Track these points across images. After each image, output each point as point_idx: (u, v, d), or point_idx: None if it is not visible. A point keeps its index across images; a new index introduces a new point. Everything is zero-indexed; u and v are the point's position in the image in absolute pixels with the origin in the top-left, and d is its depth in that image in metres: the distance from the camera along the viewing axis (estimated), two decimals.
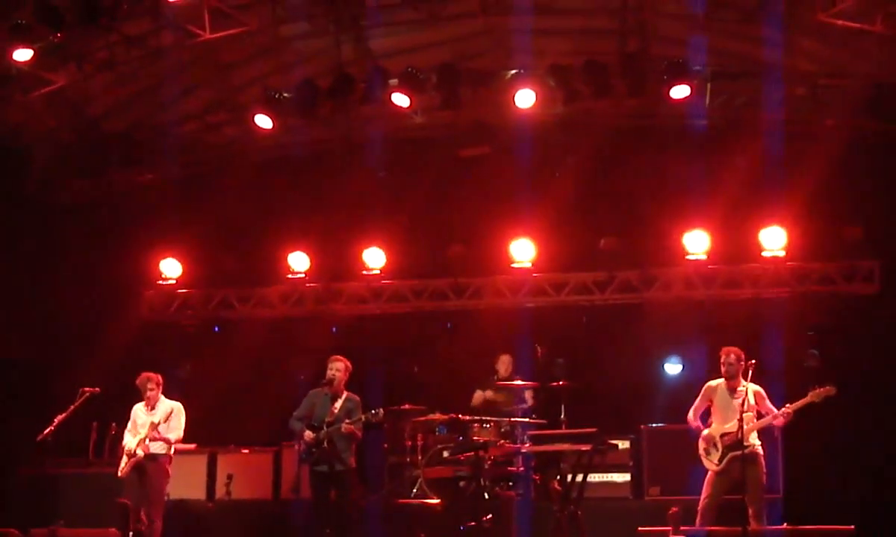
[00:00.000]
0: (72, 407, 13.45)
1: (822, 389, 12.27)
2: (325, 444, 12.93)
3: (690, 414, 12.73)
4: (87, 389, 13.59)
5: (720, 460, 12.35)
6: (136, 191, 17.69)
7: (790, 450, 14.42)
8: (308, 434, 12.99)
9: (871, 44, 14.00)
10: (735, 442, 12.16)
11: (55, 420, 13.30)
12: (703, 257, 16.42)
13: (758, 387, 12.41)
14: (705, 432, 12.51)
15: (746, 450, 12.13)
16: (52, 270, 17.28)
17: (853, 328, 16.02)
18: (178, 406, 13.72)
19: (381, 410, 13.27)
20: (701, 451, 12.54)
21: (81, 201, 17.64)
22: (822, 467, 14.97)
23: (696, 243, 16.36)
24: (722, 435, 12.37)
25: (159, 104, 16.76)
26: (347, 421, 12.91)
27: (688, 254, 16.45)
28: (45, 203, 17.40)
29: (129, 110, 16.85)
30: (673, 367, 16.57)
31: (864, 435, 15.25)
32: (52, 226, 17.30)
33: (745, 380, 12.33)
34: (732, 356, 12.57)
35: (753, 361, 12.33)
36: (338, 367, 13.30)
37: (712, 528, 12.17)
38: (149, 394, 13.62)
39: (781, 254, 16.13)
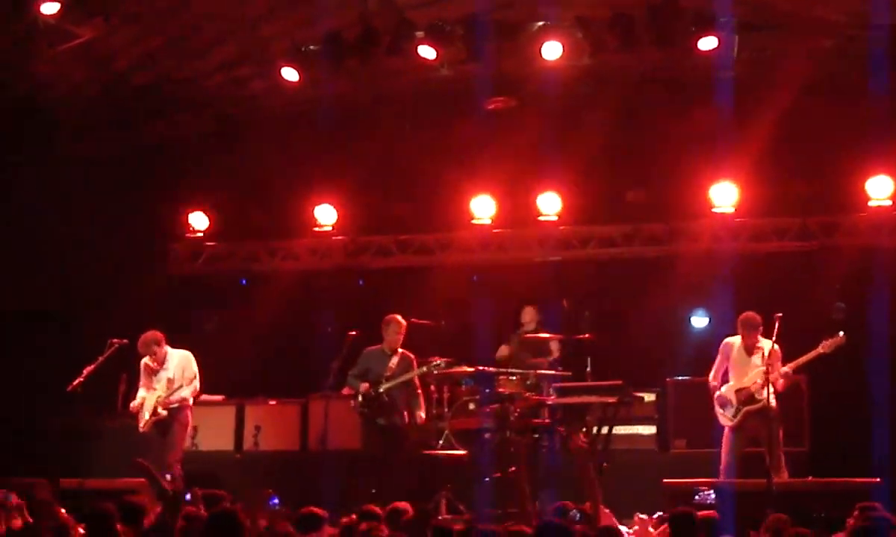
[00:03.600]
0: (100, 358, 13.55)
1: (831, 340, 12.30)
2: (385, 398, 13.27)
3: (711, 377, 12.76)
4: (115, 341, 13.68)
5: (734, 415, 12.38)
6: (163, 144, 17.70)
7: (817, 403, 14.42)
8: (365, 386, 13.35)
9: None
10: (749, 397, 12.20)
11: (84, 371, 13.41)
12: (731, 210, 16.37)
13: (773, 344, 12.39)
14: (717, 393, 12.56)
15: (759, 405, 12.16)
16: (80, 223, 17.33)
17: (880, 280, 15.94)
18: (187, 355, 13.82)
19: (443, 361, 13.56)
20: (717, 407, 12.60)
21: (109, 154, 17.65)
22: (849, 420, 14.93)
23: (723, 196, 16.30)
24: (737, 391, 12.40)
25: (186, 57, 16.75)
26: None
27: (714, 206, 16.40)
28: (72, 156, 17.43)
29: (156, 63, 16.81)
30: (699, 320, 16.56)
31: (892, 388, 15.22)
32: (79, 179, 17.32)
33: (770, 337, 12.33)
34: (749, 323, 12.60)
35: (780, 315, 12.33)
36: (393, 328, 13.67)
37: (737, 480, 12.21)
38: (153, 354, 13.68)
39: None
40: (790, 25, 15.01)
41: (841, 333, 12.40)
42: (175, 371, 13.64)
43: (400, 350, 13.90)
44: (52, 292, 17.15)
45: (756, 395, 12.29)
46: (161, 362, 13.71)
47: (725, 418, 12.58)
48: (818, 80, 15.52)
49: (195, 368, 13.78)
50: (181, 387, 13.58)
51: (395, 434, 13.63)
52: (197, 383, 13.78)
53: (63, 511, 10.59)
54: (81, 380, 13.37)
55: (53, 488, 12.06)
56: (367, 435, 13.76)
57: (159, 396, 13.52)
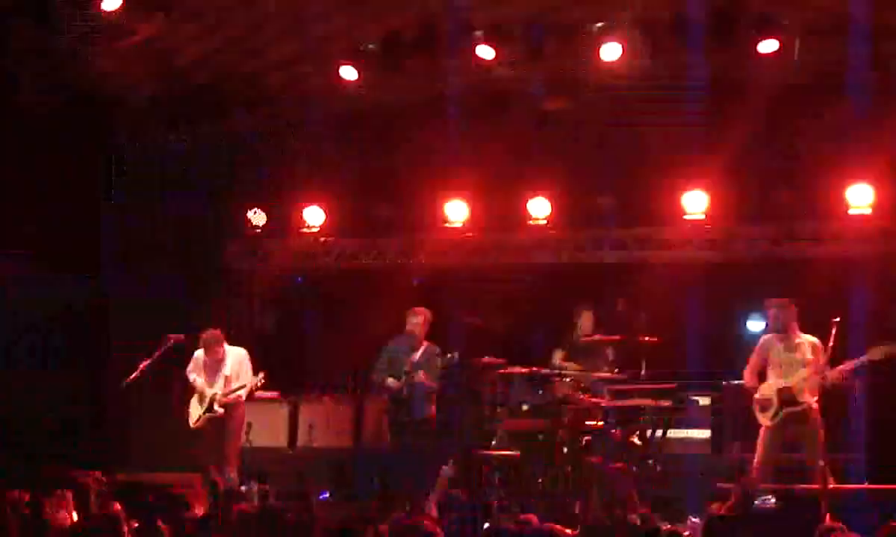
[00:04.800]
0: (156, 353, 13.65)
1: (882, 347, 12.10)
2: (405, 393, 13.06)
3: (746, 374, 12.59)
4: (171, 336, 13.78)
5: (774, 415, 12.18)
6: (221, 141, 17.78)
7: (875, 408, 14.26)
8: (392, 381, 13.13)
9: None
10: (791, 398, 12.02)
11: (140, 366, 13.51)
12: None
13: (816, 340, 12.23)
14: (758, 394, 12.37)
15: (800, 408, 11.99)
16: (137, 218, 17.47)
17: None
18: (243, 352, 13.89)
19: (456, 354, 13.40)
20: (756, 406, 12.40)
21: (167, 150, 17.78)
22: None
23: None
24: (779, 390, 12.19)
25: (245, 55, 16.85)
26: (423, 371, 13.03)
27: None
28: (132, 152, 17.58)
29: (216, 61, 16.94)
30: (755, 324, 16.41)
31: None
32: (139, 175, 17.48)
33: (826, 340, 12.17)
34: (775, 308, 12.41)
35: (837, 319, 12.21)
36: (417, 321, 13.43)
37: (788, 486, 12.07)
38: (212, 351, 13.77)
39: (868, 211, 15.89)
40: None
41: (892, 345, 12.18)
42: (232, 369, 13.74)
43: (425, 343, 13.69)
44: (113, 286, 17.28)
45: (798, 397, 12.11)
46: (220, 361, 13.80)
47: (765, 418, 12.37)
48: None
49: (249, 366, 13.86)
50: (238, 386, 13.66)
51: (416, 430, 13.41)
52: (250, 380, 13.85)
53: (118, 505, 10.66)
54: (137, 374, 13.48)
55: (109, 481, 12.14)
56: (392, 431, 13.62)
57: (215, 393, 13.61)
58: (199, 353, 14.00)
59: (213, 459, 13.46)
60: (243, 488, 13.19)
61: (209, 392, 13.67)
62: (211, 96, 17.28)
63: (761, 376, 12.51)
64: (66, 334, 16.58)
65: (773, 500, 11.46)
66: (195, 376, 13.91)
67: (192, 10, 14.94)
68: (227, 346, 13.96)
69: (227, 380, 13.66)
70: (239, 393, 13.69)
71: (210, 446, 13.61)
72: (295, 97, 17.36)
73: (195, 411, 13.78)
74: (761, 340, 12.70)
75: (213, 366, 13.82)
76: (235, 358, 13.91)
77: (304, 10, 15.63)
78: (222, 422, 13.65)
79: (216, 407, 13.54)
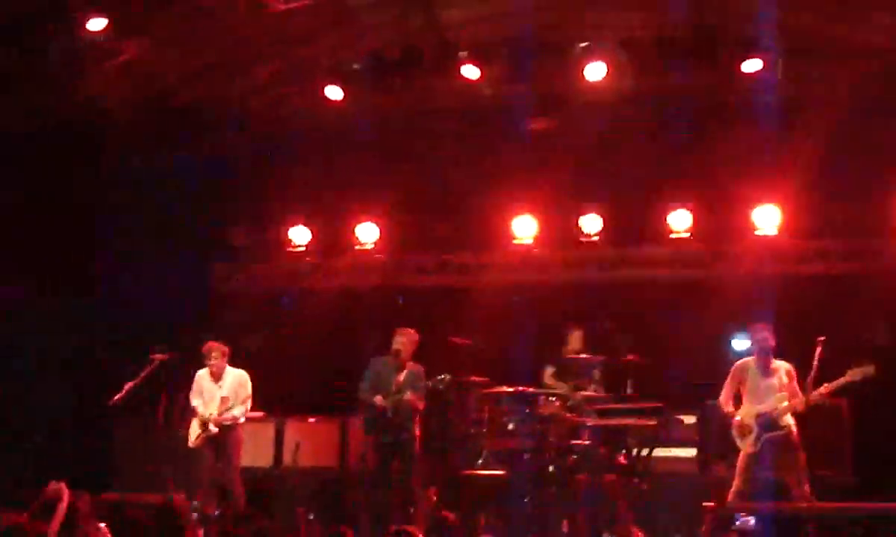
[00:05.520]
0: (142, 373, 13.62)
1: (860, 369, 12.13)
2: (390, 414, 13.01)
3: (722, 399, 12.60)
4: (157, 356, 13.76)
5: (755, 441, 12.18)
6: (206, 162, 17.77)
7: (861, 428, 14.28)
8: (380, 399, 13.10)
9: None
10: (771, 423, 12.04)
11: (125, 386, 13.48)
12: (774, 232, 16.30)
13: (789, 366, 12.27)
14: (737, 418, 12.37)
15: (781, 433, 12.01)
16: (126, 239, 17.47)
17: None
18: (244, 375, 13.88)
19: (447, 376, 13.38)
20: (734, 431, 12.39)
21: (153, 170, 17.78)
22: (894, 445, 14.83)
23: (766, 218, 16.24)
24: (757, 415, 12.20)
25: (229, 76, 16.87)
26: (411, 391, 13.00)
27: (757, 229, 16.34)
28: (116, 173, 17.58)
29: (200, 82, 16.95)
30: (740, 343, 16.43)
31: None
32: (124, 195, 17.48)
33: (812, 360, 12.18)
34: (762, 333, 12.44)
35: (823, 338, 12.23)
36: (403, 340, 13.40)
37: (771, 505, 12.07)
38: (213, 362, 13.76)
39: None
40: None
41: (870, 367, 12.22)
42: (230, 390, 13.72)
43: (410, 363, 13.65)
44: (101, 306, 17.26)
45: (778, 422, 12.12)
46: (218, 376, 13.77)
47: (745, 445, 12.36)
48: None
49: (249, 390, 13.86)
50: (234, 406, 13.64)
51: (400, 450, 13.33)
52: (249, 404, 13.85)
53: (102, 524, 10.63)
54: (123, 394, 13.45)
55: (94, 501, 12.09)
56: (376, 452, 13.55)
57: (212, 413, 13.58)
58: (200, 374, 13.97)
59: (209, 481, 13.43)
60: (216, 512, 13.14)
61: (205, 412, 13.65)
62: (196, 117, 17.29)
63: (737, 400, 12.52)
64: (54, 353, 16.56)
65: (753, 522, 11.47)
66: (196, 399, 13.88)
67: (177, 32, 14.93)
68: (228, 366, 13.95)
69: (224, 400, 13.63)
70: (235, 414, 13.67)
71: (206, 468, 13.58)
72: (279, 118, 17.37)
73: (193, 431, 13.75)
74: (736, 365, 12.70)
75: (213, 382, 13.78)
76: (235, 379, 13.90)
77: (288, 32, 15.65)
78: (220, 443, 13.62)
79: (211, 427, 13.51)
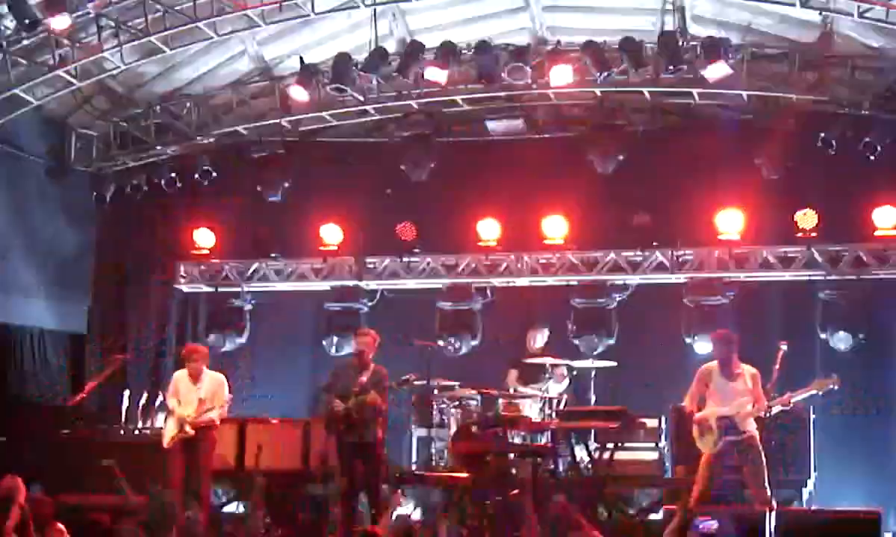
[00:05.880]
0: (103, 374, 13.57)
1: (824, 380, 12.22)
2: (354, 415, 12.99)
3: (686, 401, 12.63)
4: (118, 356, 13.72)
5: (715, 443, 12.22)
6: (171, 161, 17.73)
7: (822, 434, 14.37)
8: (339, 404, 13.05)
9: None
10: (732, 426, 12.10)
11: (86, 386, 13.42)
12: (736, 237, 16.36)
13: (754, 370, 12.31)
14: (698, 415, 12.40)
15: (742, 437, 12.07)
16: (90, 239, 17.42)
17: (885, 312, 15.92)
18: (221, 378, 13.84)
19: (412, 377, 13.40)
20: (695, 433, 12.42)
21: (115, 171, 17.75)
22: (854, 451, 14.94)
23: (729, 223, 16.29)
24: (718, 419, 12.24)
25: (195, 77, 16.85)
26: (374, 392, 12.98)
27: (721, 233, 16.38)
28: (82, 172, 17.54)
29: (166, 81, 16.92)
30: (702, 346, 16.51)
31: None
32: (89, 195, 17.44)
33: (773, 365, 12.22)
34: (722, 340, 12.50)
35: (784, 344, 12.28)
36: (365, 341, 13.39)
37: (731, 508, 12.12)
38: (193, 365, 13.70)
39: (813, 235, 16.02)
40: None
41: (835, 379, 12.31)
42: (207, 392, 13.65)
43: (372, 365, 13.64)
44: (59, 308, 17.19)
45: (739, 426, 12.18)
46: (197, 378, 13.72)
47: (705, 446, 12.41)
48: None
49: (227, 393, 13.81)
50: (211, 408, 13.59)
51: (364, 452, 13.31)
52: (226, 408, 13.82)
53: (61, 525, 10.59)
54: (83, 395, 13.40)
55: (54, 503, 12.05)
56: (340, 454, 13.51)
57: (188, 415, 13.51)
58: (178, 375, 13.92)
59: (181, 482, 13.37)
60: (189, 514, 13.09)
61: (182, 413, 13.59)
62: (160, 116, 17.27)
63: (702, 402, 12.55)
64: (16, 354, 16.51)
65: (715, 524, 11.49)
66: (171, 400, 13.83)
67: (141, 31, 14.86)
68: (206, 369, 13.89)
69: (201, 402, 13.56)
70: (212, 416, 13.61)
71: (178, 470, 13.51)
72: (244, 117, 17.34)
73: (168, 432, 13.69)
74: (702, 368, 12.73)
75: (191, 383, 13.73)
76: (213, 381, 13.83)
77: (254, 33, 15.63)
78: (194, 445, 13.56)
79: (187, 428, 13.45)
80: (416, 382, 14.11)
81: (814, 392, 12.27)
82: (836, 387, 12.26)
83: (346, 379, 13.25)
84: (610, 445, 13.98)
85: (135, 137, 17.54)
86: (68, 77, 15.64)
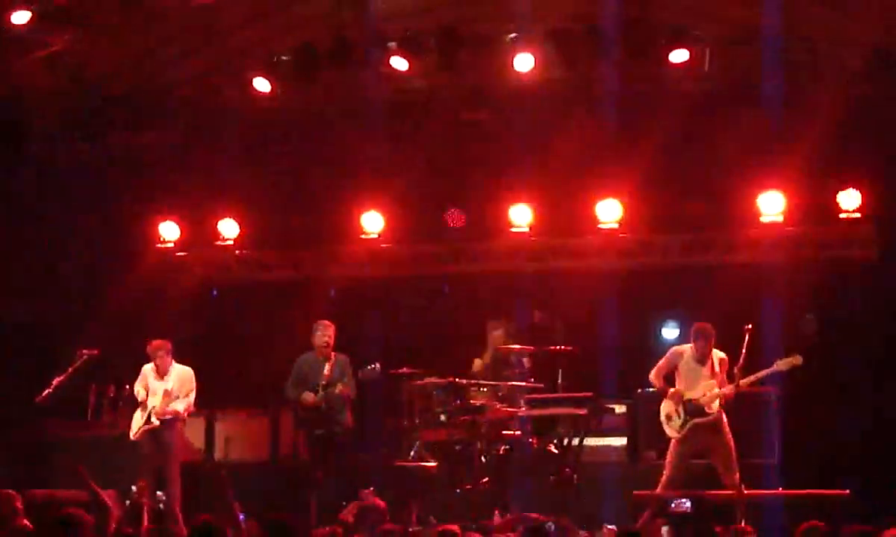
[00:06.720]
0: (70, 369, 13.50)
1: (787, 359, 12.31)
2: (324, 408, 13.00)
3: (653, 375, 12.70)
4: (85, 351, 13.65)
5: (682, 427, 12.30)
6: (135, 153, 17.61)
7: (789, 417, 14.45)
8: (309, 396, 13.06)
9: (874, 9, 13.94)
10: (698, 410, 12.17)
11: (53, 382, 13.35)
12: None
13: (723, 355, 12.40)
14: (663, 406, 12.47)
15: (709, 419, 12.14)
16: (52, 232, 17.28)
17: (851, 295, 16.03)
18: (188, 371, 13.85)
19: (378, 365, 13.40)
20: (662, 417, 12.49)
21: (81, 163, 17.61)
22: (820, 433, 15.01)
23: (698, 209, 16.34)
24: (684, 402, 12.30)
25: (158, 68, 16.75)
26: (342, 382, 12.98)
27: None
28: (45, 165, 17.40)
29: (129, 73, 16.81)
30: (670, 332, 16.58)
31: (862, 402, 15.33)
32: (52, 187, 17.30)
33: (740, 348, 12.28)
34: (703, 333, 12.55)
35: (750, 326, 12.34)
36: (329, 332, 13.41)
37: (701, 492, 12.18)
38: (159, 361, 13.71)
39: (779, 219, 16.06)
40: None
41: (797, 357, 12.39)
42: (174, 384, 13.68)
43: (334, 354, 13.63)
44: (21, 302, 17.05)
45: (706, 409, 12.24)
46: (164, 372, 13.72)
47: (672, 430, 12.47)
48: None
49: (193, 385, 13.80)
50: (177, 398, 13.59)
51: (335, 443, 13.29)
52: (192, 399, 13.80)
53: (28, 522, 10.51)
54: (50, 391, 13.32)
55: (21, 499, 11.96)
56: (311, 446, 13.53)
57: (154, 406, 13.51)
58: (146, 369, 13.90)
59: (150, 474, 13.34)
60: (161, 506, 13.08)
61: (149, 403, 13.58)
62: (124, 108, 17.16)
63: (668, 381, 12.62)
64: None
65: (688, 503, 11.57)
66: (139, 388, 13.82)
67: (105, 23, 14.77)
68: (174, 362, 13.87)
69: (167, 393, 13.57)
70: (177, 408, 13.60)
71: (146, 462, 13.50)
72: (209, 109, 17.24)
73: (136, 423, 13.68)
74: (673, 349, 12.79)
75: (158, 378, 13.72)
76: (180, 374, 13.84)
77: (217, 23, 15.55)
78: (160, 437, 13.55)
79: (153, 419, 13.45)
80: (381, 371, 14.13)
81: (777, 370, 12.38)
82: (799, 365, 12.37)
83: (312, 371, 13.27)
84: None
85: (97, 129, 17.41)
86: None
